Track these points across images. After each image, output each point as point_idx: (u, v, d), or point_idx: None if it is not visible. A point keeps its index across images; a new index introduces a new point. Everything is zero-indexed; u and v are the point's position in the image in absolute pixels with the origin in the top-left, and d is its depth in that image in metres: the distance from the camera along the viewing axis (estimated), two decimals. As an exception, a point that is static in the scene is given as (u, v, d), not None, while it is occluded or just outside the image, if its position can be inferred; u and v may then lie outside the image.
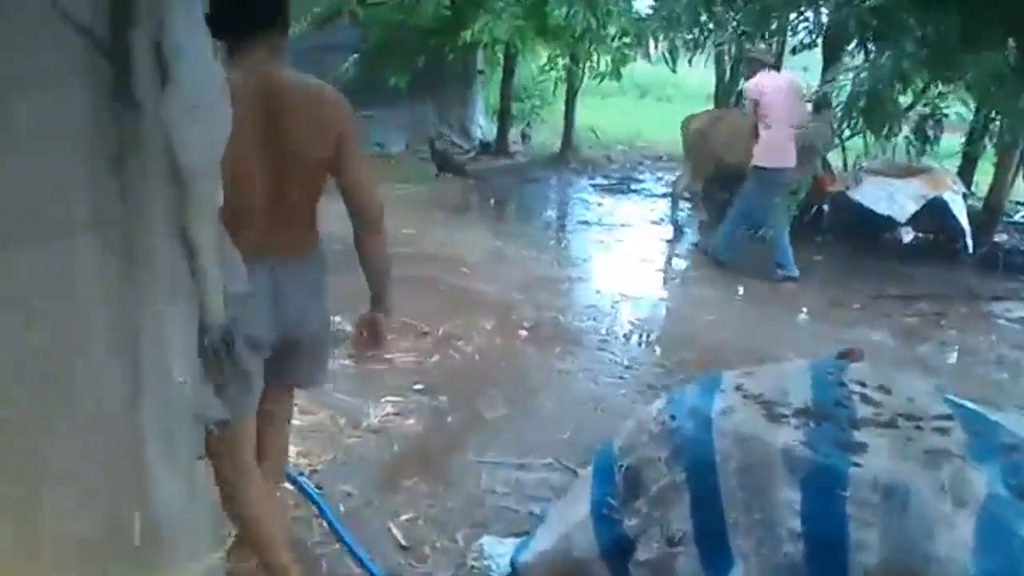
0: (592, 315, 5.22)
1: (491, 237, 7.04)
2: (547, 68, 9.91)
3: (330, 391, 3.82)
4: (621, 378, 4.26)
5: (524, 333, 4.79)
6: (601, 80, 8.07)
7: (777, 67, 6.04)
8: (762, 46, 5.88)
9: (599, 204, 8.74)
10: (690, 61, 6.17)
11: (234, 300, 1.57)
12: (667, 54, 5.55)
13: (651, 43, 5.67)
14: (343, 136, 2.04)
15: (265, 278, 2.01)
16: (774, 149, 5.72)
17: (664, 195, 9.27)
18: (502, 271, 6.01)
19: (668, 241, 7.33)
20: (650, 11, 5.00)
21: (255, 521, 2.19)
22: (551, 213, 8.60)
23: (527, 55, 9.70)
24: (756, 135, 5.83)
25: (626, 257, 6.84)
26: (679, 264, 6.51)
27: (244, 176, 1.87)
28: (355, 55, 8.38)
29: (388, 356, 4.22)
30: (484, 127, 11.97)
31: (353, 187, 2.11)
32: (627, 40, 5.83)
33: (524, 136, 12.05)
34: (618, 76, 6.58)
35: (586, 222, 7.96)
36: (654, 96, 16.59)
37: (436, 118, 11.09)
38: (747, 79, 6.13)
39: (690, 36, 4.72)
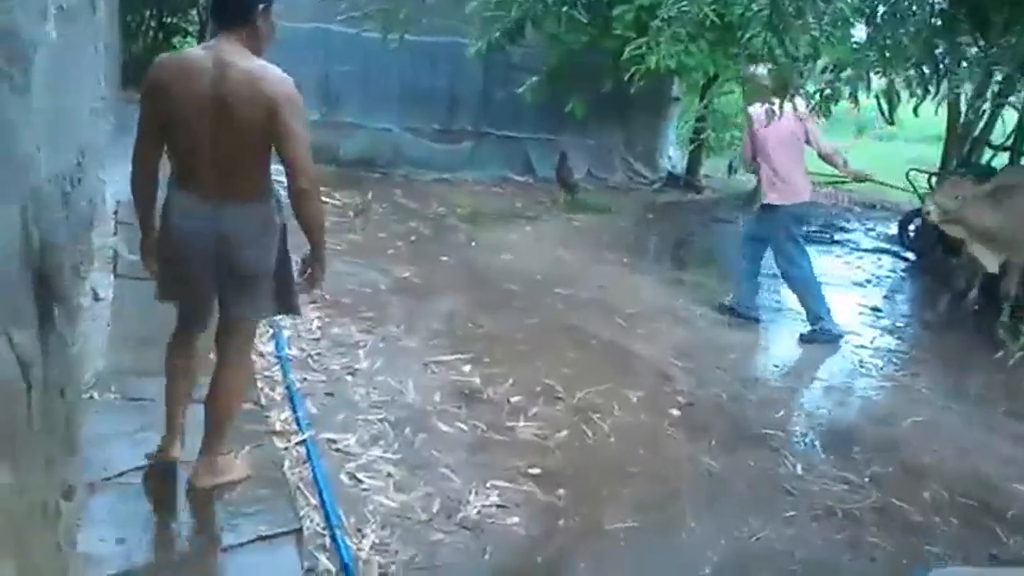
0: (764, 397, 4.34)
1: (660, 285, 6.27)
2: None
3: (437, 461, 3.30)
4: (791, 493, 3.40)
5: (676, 413, 4.03)
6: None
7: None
8: (763, 70, 5.02)
9: (793, 255, 7.70)
10: (915, 110, 5.00)
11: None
12: (880, 98, 4.37)
13: (867, 80, 4.53)
14: (276, 112, 2.37)
15: (208, 211, 2.49)
16: (780, 185, 5.18)
17: (874, 250, 8.06)
18: (664, 328, 5.24)
19: (873, 309, 6.21)
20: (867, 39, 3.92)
21: (167, 387, 2.74)
22: (735, 261, 7.62)
23: (725, 84, 8.80)
24: (756, 170, 5.34)
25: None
26: (885, 341, 5.41)
27: (194, 131, 2.42)
28: (534, 78, 7.90)
29: (509, 426, 3.66)
30: (674, 158, 11.15)
31: (285, 156, 2.42)
32: (841, 74, 4.84)
33: (731, 168, 11.09)
34: (827, 113, 5.51)
35: (775, 275, 6.96)
36: (874, 134, 14.97)
37: (622, 145, 10.44)
38: (747, 107, 5.40)
39: (915, 73, 3.65)
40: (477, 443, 3.51)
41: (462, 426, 3.62)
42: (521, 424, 3.71)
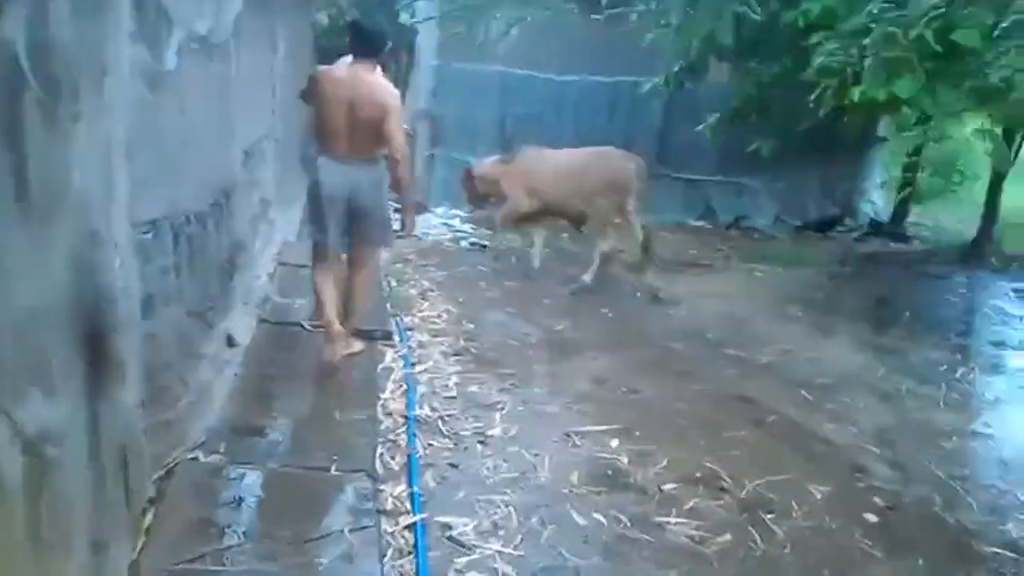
0: (990, 503, 3.43)
1: (856, 350, 5.37)
2: (973, 138, 7.76)
3: (564, 564, 2.76)
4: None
5: (872, 519, 3.23)
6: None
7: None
8: None
9: (1023, 319, 6.47)
10: None
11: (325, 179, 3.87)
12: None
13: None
14: (385, 114, 3.75)
15: (343, 169, 3.85)
16: None
17: None
18: (860, 405, 4.40)
19: None
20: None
21: (317, 290, 4.00)
22: (950, 324, 6.49)
23: (943, 120, 7.67)
24: None
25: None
26: None
27: (336, 118, 3.80)
28: (715, 115, 7.23)
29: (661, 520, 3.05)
30: (877, 204, 9.99)
31: (387, 138, 3.79)
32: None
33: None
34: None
35: (1000, 343, 5.84)
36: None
37: (818, 189, 9.49)
38: None
39: None
40: (616, 543, 2.92)
41: (600, 518, 3.06)
42: (673, 521, 3.08)
